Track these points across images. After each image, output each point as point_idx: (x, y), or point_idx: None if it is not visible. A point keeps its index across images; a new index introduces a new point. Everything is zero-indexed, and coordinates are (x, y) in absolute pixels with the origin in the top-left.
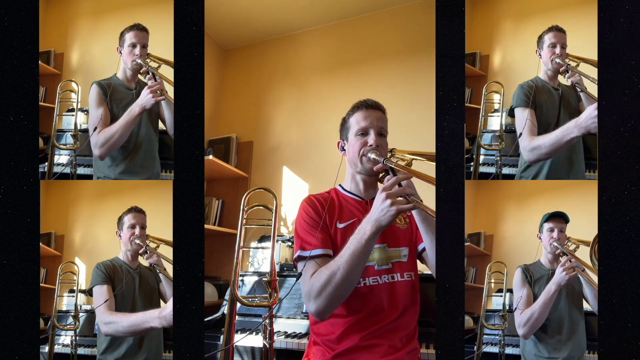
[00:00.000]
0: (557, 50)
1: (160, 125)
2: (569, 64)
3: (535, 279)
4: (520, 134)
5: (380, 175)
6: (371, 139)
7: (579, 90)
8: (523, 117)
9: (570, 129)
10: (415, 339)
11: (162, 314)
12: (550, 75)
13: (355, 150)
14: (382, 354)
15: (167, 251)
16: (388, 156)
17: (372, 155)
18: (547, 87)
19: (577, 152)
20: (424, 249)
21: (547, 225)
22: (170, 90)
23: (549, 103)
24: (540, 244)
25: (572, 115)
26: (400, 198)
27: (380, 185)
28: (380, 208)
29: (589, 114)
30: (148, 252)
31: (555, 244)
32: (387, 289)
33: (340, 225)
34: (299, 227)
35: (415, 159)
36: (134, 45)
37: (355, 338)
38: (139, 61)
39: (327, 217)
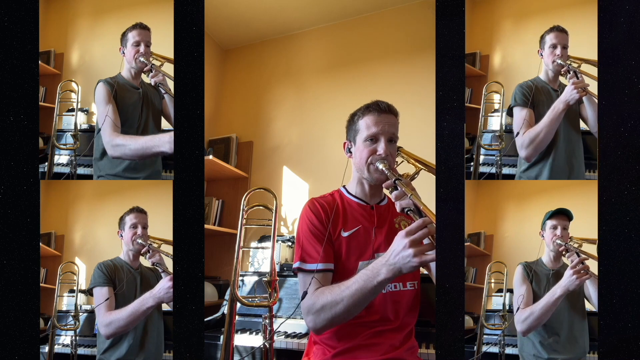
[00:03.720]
0: (558, 51)
1: (164, 124)
2: (570, 65)
3: (536, 278)
4: (518, 133)
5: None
6: (381, 147)
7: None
8: (520, 117)
9: (556, 106)
10: (413, 337)
11: (153, 293)
12: (550, 76)
13: (363, 157)
14: (382, 352)
15: (167, 251)
16: (396, 156)
17: (381, 166)
18: (547, 88)
19: (577, 155)
20: None
21: (550, 223)
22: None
23: (547, 104)
24: (542, 241)
25: (571, 116)
26: (422, 244)
27: (386, 191)
28: (402, 255)
29: (567, 90)
30: (151, 251)
31: (559, 242)
32: (391, 298)
33: (345, 234)
34: (301, 234)
35: (422, 169)
36: (137, 44)
37: (356, 338)
38: (142, 59)
39: (331, 225)
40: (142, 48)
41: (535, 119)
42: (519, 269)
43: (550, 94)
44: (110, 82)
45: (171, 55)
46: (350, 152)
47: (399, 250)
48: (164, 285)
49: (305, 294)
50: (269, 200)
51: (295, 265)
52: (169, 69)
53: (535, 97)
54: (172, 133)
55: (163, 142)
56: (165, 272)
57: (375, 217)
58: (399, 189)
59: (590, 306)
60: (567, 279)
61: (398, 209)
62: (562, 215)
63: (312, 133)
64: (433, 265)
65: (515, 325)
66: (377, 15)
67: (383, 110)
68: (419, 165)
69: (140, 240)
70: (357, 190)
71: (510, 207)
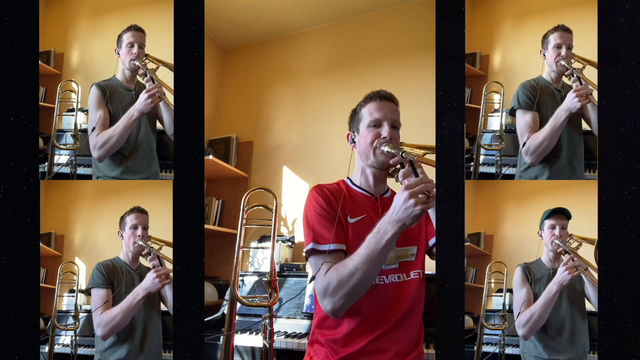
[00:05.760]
0: (563, 51)
1: (159, 126)
2: (574, 69)
3: (536, 279)
4: (525, 143)
5: (392, 170)
6: (385, 131)
7: None
8: (524, 121)
9: (559, 115)
10: (420, 343)
11: (142, 286)
12: (554, 76)
13: (368, 142)
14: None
15: (167, 252)
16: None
17: (386, 149)
18: (550, 88)
19: (578, 157)
20: (434, 245)
21: (548, 222)
22: (168, 93)
23: (550, 105)
24: (541, 241)
25: (574, 118)
26: (421, 196)
27: (389, 183)
28: (404, 207)
29: (570, 98)
30: (151, 253)
31: (557, 242)
32: (394, 288)
33: (352, 220)
34: (310, 217)
35: (427, 153)
36: (131, 45)
37: (361, 341)
38: (136, 62)
39: (339, 209)
40: (135, 49)
41: (540, 121)
42: (517, 271)
43: (553, 94)
44: (103, 86)
45: (171, 55)
46: (354, 142)
47: (401, 204)
48: (150, 276)
49: (313, 278)
50: (269, 200)
51: (308, 247)
52: (164, 70)
53: (540, 98)
54: (145, 94)
55: (139, 103)
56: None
57: (379, 207)
58: (406, 166)
59: (591, 306)
60: (560, 275)
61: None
62: (560, 214)
63: (312, 133)
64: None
65: (517, 330)
66: (377, 15)
67: (384, 98)
68: (423, 150)
69: (140, 242)
70: (362, 181)
71: (510, 207)
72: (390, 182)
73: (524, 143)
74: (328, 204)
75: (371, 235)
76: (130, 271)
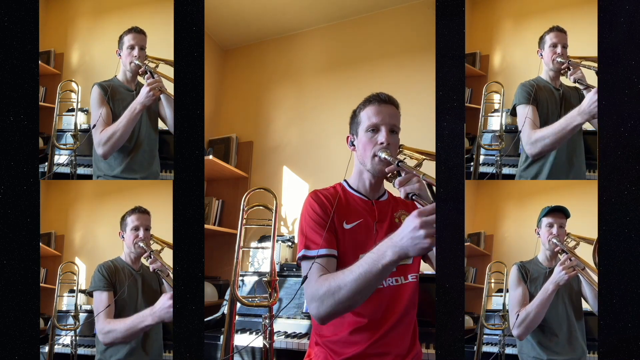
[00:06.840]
0: (559, 50)
1: (161, 124)
2: (570, 61)
3: (533, 278)
4: (520, 130)
5: (389, 175)
6: (382, 136)
7: (582, 88)
8: (524, 113)
9: (573, 117)
10: (417, 342)
11: (153, 311)
12: (551, 75)
13: (365, 149)
14: None
15: (168, 252)
16: (398, 153)
17: (383, 155)
18: (549, 87)
19: (577, 154)
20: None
21: (545, 221)
22: (170, 88)
23: (549, 102)
24: (539, 240)
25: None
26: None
27: (386, 186)
28: (411, 236)
29: (591, 99)
30: (152, 256)
31: (555, 241)
32: (391, 292)
33: (347, 226)
34: (304, 224)
35: (426, 159)
36: (132, 47)
37: (361, 344)
38: (137, 62)
39: (335, 216)
40: (136, 52)
41: (540, 118)
42: (513, 270)
43: (552, 92)
44: (104, 85)
45: (171, 55)
46: (353, 145)
47: (409, 231)
48: (164, 303)
49: (305, 278)
50: (269, 200)
51: (300, 254)
52: (164, 70)
53: (538, 94)
54: (146, 87)
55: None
56: (165, 280)
57: (376, 211)
58: (403, 174)
59: (587, 306)
60: (557, 274)
61: (402, 195)
62: (559, 212)
63: (312, 133)
64: (433, 254)
65: (512, 330)
66: (377, 15)
67: (383, 101)
68: (422, 156)
69: (142, 244)
70: (359, 184)
71: (510, 207)
72: (388, 185)
73: (520, 131)
74: (323, 210)
75: (369, 254)
76: (132, 272)
